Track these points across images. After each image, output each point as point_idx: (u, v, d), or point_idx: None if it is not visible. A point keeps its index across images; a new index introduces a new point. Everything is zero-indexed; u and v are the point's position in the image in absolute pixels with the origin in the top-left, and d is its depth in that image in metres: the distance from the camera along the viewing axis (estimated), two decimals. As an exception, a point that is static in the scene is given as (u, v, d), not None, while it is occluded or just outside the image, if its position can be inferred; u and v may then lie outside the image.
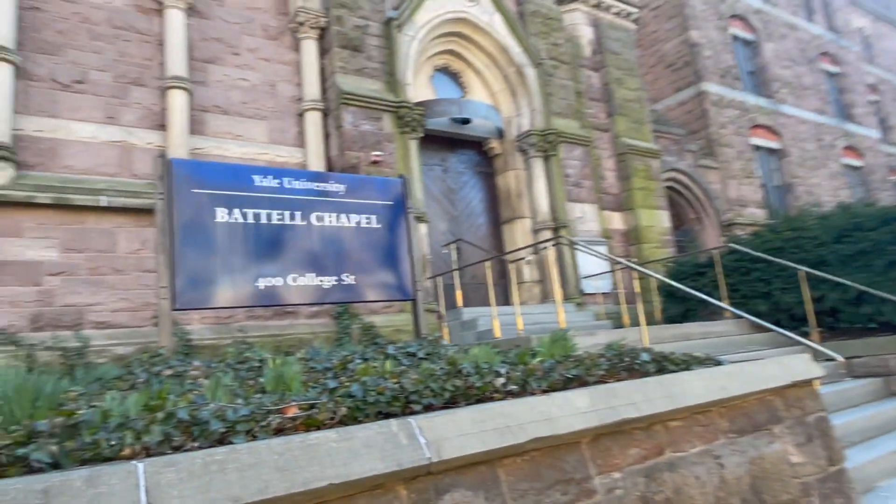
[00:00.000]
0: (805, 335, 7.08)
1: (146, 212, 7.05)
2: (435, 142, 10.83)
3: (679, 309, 9.12)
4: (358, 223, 4.34)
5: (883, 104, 28.10)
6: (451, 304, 9.29)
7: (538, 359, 3.76)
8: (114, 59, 7.88)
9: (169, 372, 3.06)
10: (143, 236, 7.24)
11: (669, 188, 15.52)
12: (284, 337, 7.82)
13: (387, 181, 4.76)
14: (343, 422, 2.48)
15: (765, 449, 3.49)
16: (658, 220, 12.50)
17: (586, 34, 13.14)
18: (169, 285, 3.37)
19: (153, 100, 8.03)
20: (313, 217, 4.13)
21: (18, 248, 6.62)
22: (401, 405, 2.62)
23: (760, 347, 6.77)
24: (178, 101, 7.99)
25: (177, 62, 8.11)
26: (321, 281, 4.02)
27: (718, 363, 3.97)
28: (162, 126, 7.99)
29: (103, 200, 7.11)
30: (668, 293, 9.36)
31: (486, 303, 8.50)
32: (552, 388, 3.08)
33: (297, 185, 4.13)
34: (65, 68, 7.54)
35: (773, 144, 20.13)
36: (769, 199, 19.30)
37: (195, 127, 8.20)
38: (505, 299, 10.42)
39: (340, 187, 4.33)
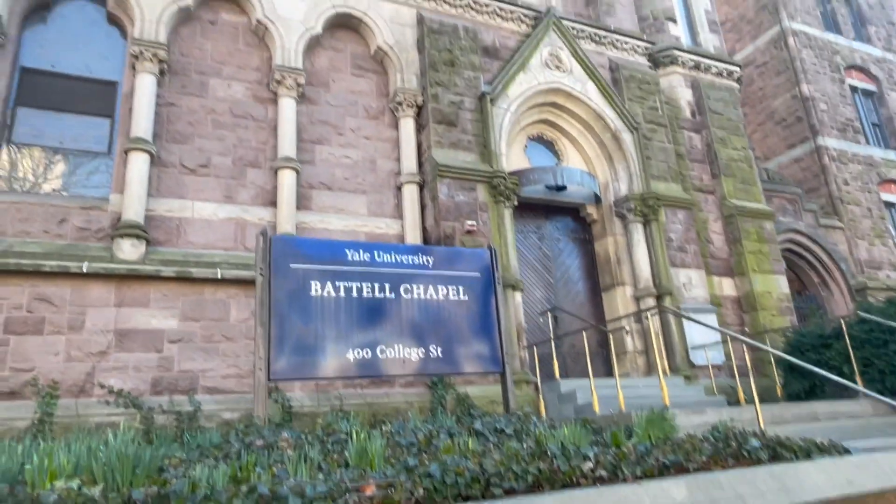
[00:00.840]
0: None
1: (255, 283, 7.56)
2: (530, 209, 10.87)
3: (802, 384, 8.25)
4: (446, 295, 4.40)
5: None
6: (548, 375, 9.02)
7: (633, 440, 3.53)
8: (233, 144, 8.73)
9: (260, 442, 3.17)
10: (252, 306, 7.71)
11: (788, 251, 14.45)
12: (380, 405, 7.90)
13: (475, 252, 4.81)
14: (420, 502, 2.43)
15: (909, 558, 3.00)
16: (775, 286, 11.60)
17: (685, 96, 12.91)
18: (265, 357, 3.55)
19: (266, 179, 8.75)
20: (402, 289, 4.24)
21: (144, 318, 7.28)
22: (480, 488, 2.54)
23: (905, 432, 5.95)
24: (287, 180, 8.64)
25: (287, 144, 8.83)
26: (409, 353, 4.07)
27: (845, 451, 3.52)
28: (273, 203, 8.64)
29: (219, 273, 7.71)
30: (789, 366, 8.54)
31: (585, 374, 8.17)
32: (646, 475, 2.86)
33: (387, 258, 4.29)
34: (192, 154, 8.43)
35: (909, 200, 18.33)
36: (908, 260, 17.40)
37: (302, 202, 8.80)
38: (606, 370, 9.97)
39: (429, 259, 4.44)
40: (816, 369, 6.26)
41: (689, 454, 3.12)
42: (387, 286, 4.11)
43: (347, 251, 4.13)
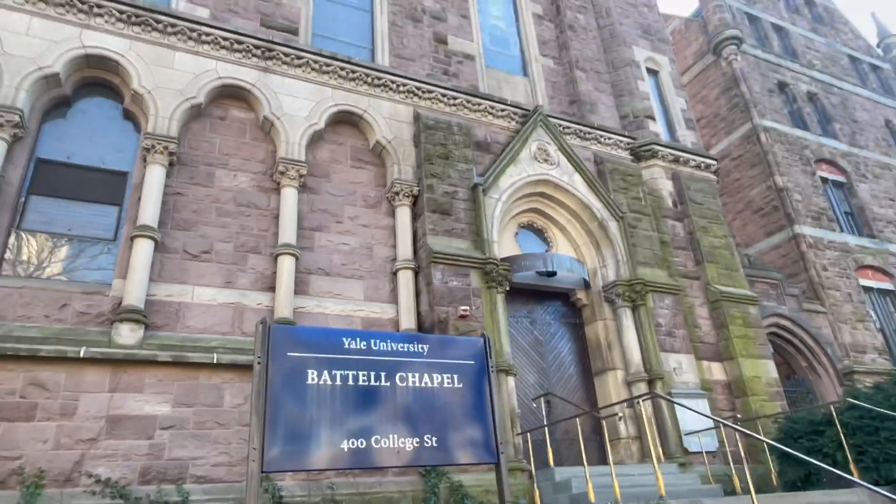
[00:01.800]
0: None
1: (251, 367, 7.43)
2: (522, 294, 10.93)
3: (798, 472, 7.99)
4: (440, 383, 4.32)
5: None
6: (542, 462, 8.73)
7: (631, 536, 3.39)
8: (236, 232, 8.85)
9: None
10: (247, 391, 7.55)
11: (773, 335, 14.45)
12: (372, 495, 7.58)
13: (469, 340, 4.78)
14: None
15: None
16: (763, 371, 11.51)
17: (666, 187, 13.33)
18: (259, 448, 3.44)
19: (265, 265, 8.81)
20: (398, 378, 4.16)
21: (138, 403, 7.09)
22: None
23: (903, 524, 5.72)
24: (286, 266, 8.70)
25: (288, 232, 8.96)
26: (403, 443, 3.94)
27: (846, 548, 3.39)
28: (271, 288, 8.66)
29: (215, 357, 7.60)
30: (782, 454, 8.32)
31: (579, 461, 7.92)
32: (645, 575, 2.74)
33: (384, 346, 4.24)
34: (195, 241, 8.53)
35: (887, 286, 18.58)
36: (892, 344, 17.41)
37: (299, 287, 8.82)
38: (600, 456, 9.68)
39: (424, 347, 4.39)
40: (810, 459, 6.09)
41: (687, 552, 3.00)
42: (382, 374, 4.04)
43: (345, 339, 4.09)
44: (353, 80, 10.73)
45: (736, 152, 20.22)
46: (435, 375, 4.31)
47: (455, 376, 4.38)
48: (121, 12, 9.05)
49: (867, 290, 18.01)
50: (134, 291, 7.64)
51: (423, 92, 11.31)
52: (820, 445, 7.57)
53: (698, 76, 22.21)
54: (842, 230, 18.91)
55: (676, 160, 13.70)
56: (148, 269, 7.88)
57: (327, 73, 10.51)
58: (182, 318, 8.01)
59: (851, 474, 6.94)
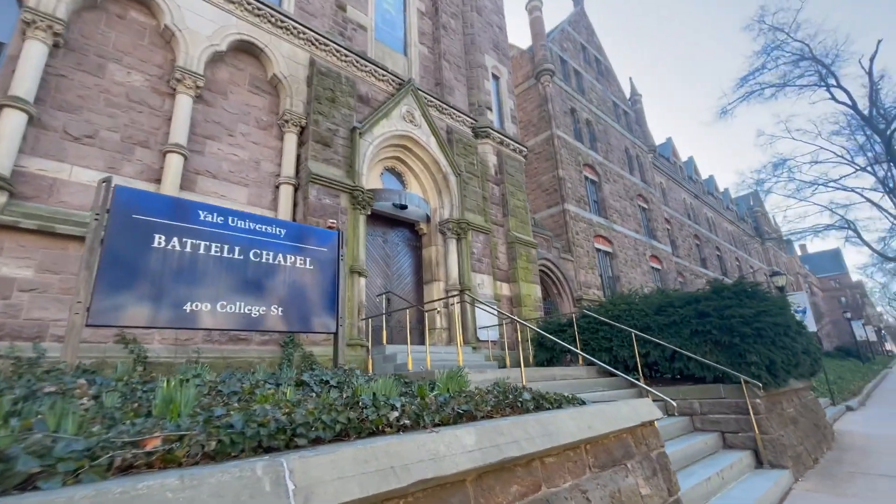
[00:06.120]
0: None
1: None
2: (379, 219, 10.16)
3: (546, 356, 8.55)
4: (293, 263, 3.50)
5: (672, 231, 30.38)
6: (379, 342, 8.30)
7: (435, 392, 2.96)
8: (124, 124, 6.80)
9: (52, 389, 2.02)
10: (121, 265, 5.93)
11: (542, 270, 15.47)
12: (234, 359, 6.53)
13: (326, 232, 3.98)
14: (212, 457, 1.56)
15: (622, 482, 2.78)
16: (533, 291, 12.19)
17: (492, 160, 13.23)
18: (85, 301, 2.37)
19: (153, 159, 6.94)
20: (251, 253, 3.26)
21: (-7, 265, 5.18)
22: (285, 439, 1.73)
23: (606, 389, 6.24)
24: (174, 163, 6.94)
25: (179, 133, 7.12)
26: (250, 310, 3.11)
27: (583, 403, 3.31)
28: (157, 180, 6.87)
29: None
30: (538, 343, 8.81)
31: (405, 342, 7.61)
32: (444, 423, 2.28)
33: (241, 224, 3.28)
34: (78, 124, 6.38)
35: (608, 249, 20.90)
36: (605, 284, 19.77)
37: (186, 184, 7.12)
38: (421, 340, 9.53)
39: (281, 231, 3.51)
40: (558, 341, 6.37)
41: (478, 405, 2.61)
42: (236, 249, 3.11)
43: (200, 212, 3.05)
44: (259, 16, 8.73)
45: (538, 149, 20.95)
46: (289, 256, 3.47)
47: (308, 259, 3.58)
48: None
49: (598, 250, 20.11)
50: (0, 159, 5.48)
51: (321, 44, 9.64)
52: (562, 338, 8.06)
53: (523, 92, 22.42)
54: (590, 211, 20.72)
55: (502, 142, 13.61)
56: (18, 141, 5.70)
57: (233, 2, 8.39)
58: (56, 192, 5.99)
59: (578, 357, 7.48)
